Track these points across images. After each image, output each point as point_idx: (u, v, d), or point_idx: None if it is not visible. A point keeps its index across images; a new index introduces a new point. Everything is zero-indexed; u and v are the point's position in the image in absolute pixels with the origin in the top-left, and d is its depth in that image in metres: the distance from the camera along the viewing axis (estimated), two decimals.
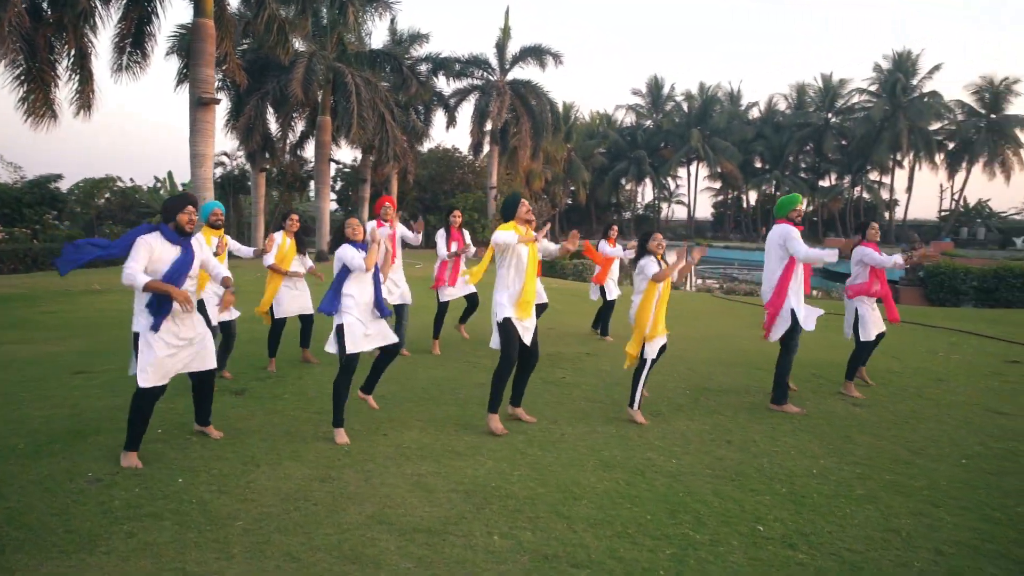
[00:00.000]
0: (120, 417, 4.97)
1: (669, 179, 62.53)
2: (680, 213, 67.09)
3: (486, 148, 37.04)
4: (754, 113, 61.66)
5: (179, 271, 3.97)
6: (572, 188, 56.40)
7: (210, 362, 4.29)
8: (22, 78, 13.68)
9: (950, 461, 4.30)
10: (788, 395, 5.47)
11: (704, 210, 68.99)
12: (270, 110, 23.82)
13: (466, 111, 35.40)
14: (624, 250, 8.54)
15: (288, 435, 4.65)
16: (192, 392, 4.51)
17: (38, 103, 13.84)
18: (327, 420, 4.99)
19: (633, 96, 64.37)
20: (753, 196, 62.70)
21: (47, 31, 12.59)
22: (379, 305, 4.69)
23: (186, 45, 17.02)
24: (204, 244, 4.30)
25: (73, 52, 13.26)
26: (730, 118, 57.84)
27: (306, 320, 6.91)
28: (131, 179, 34.21)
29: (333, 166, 30.04)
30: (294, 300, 6.74)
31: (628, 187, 63.49)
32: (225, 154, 33.81)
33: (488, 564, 2.95)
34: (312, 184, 34.42)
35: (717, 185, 62.32)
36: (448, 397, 5.73)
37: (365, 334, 4.63)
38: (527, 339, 4.82)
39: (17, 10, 11.02)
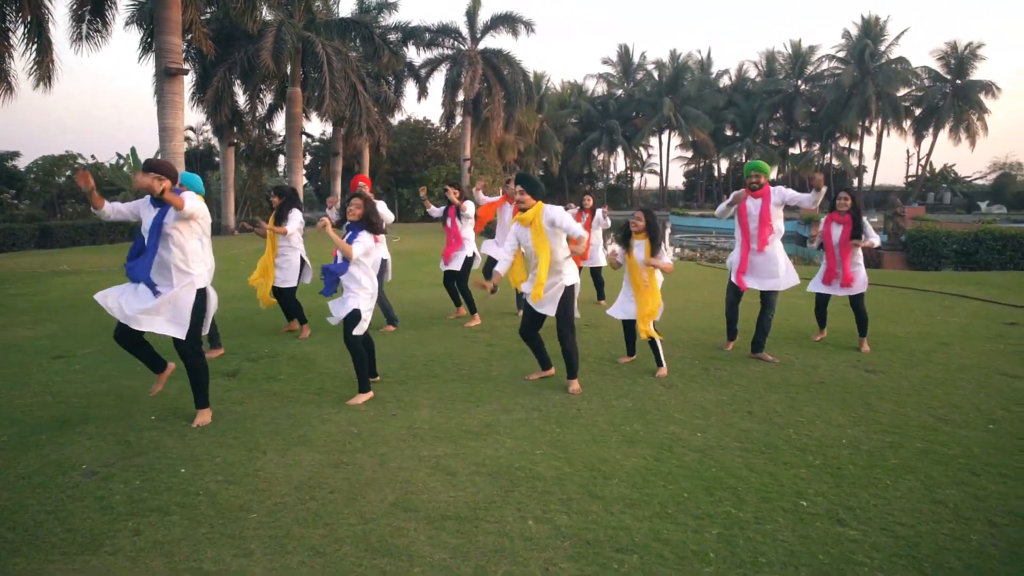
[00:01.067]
0: (107, 403, 4.69)
1: (641, 149, 62.43)
2: (653, 182, 67.29)
3: (458, 119, 36.50)
4: (725, 81, 61.65)
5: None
6: (544, 159, 55.98)
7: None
8: None
9: (977, 427, 4.21)
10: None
11: (676, 179, 69.30)
12: (238, 82, 23.03)
13: (438, 82, 34.88)
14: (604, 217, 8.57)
15: (291, 418, 4.41)
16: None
17: None
18: (329, 400, 4.77)
19: (604, 65, 64.07)
20: (724, 164, 62.98)
21: None
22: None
23: (147, 14, 16.21)
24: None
25: (29, 20, 12.50)
26: (701, 86, 57.71)
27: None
28: (92, 156, 32.93)
29: (304, 139, 29.24)
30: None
31: (600, 157, 63.27)
32: (191, 128, 32.72)
33: (529, 552, 2.77)
34: (281, 158, 33.67)
35: (689, 154, 62.48)
36: (452, 374, 5.51)
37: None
38: (548, 311, 4.92)
39: None
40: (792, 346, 6.41)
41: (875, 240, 6.23)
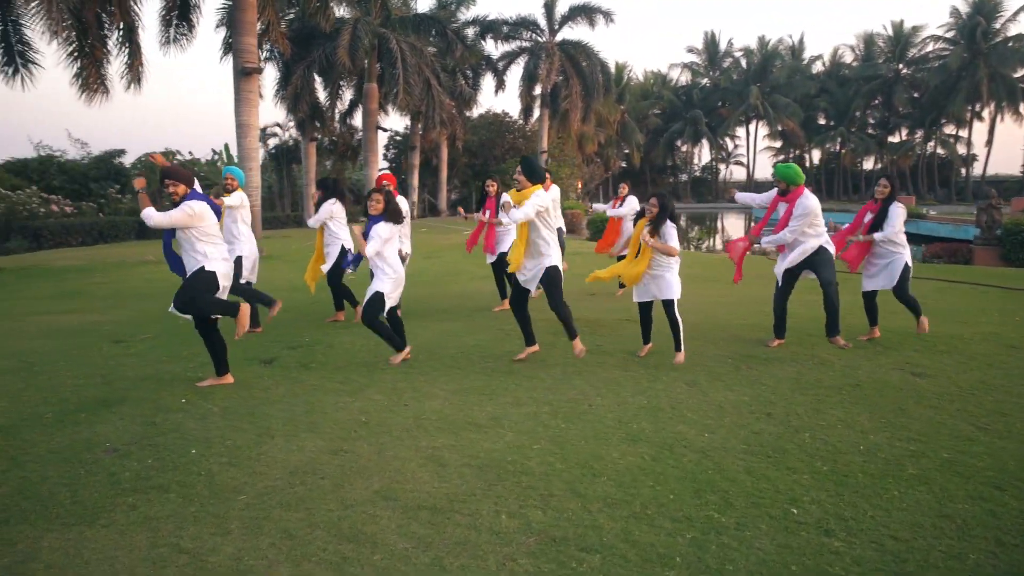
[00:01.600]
0: (146, 386, 5.01)
1: (727, 139, 60.54)
2: (739, 174, 65.04)
3: (536, 112, 36.50)
4: (817, 67, 58.79)
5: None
6: (626, 151, 55.24)
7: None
8: (75, 55, 13.97)
9: (1021, 438, 3.88)
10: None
11: (765, 170, 66.67)
12: (318, 79, 23.89)
13: (515, 75, 34.78)
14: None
15: (308, 405, 4.57)
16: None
17: (91, 79, 14.12)
18: (350, 389, 4.91)
19: (688, 54, 62.47)
20: (817, 155, 60.17)
21: (94, 6, 12.73)
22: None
23: (230, 17, 17.02)
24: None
25: (121, 26, 13.43)
26: (791, 73, 55.33)
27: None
28: (190, 152, 34.98)
29: (385, 134, 30.07)
30: None
31: (684, 148, 61.77)
32: (278, 125, 34.20)
33: (491, 546, 2.77)
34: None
35: (778, 144, 60.01)
36: (476, 367, 5.55)
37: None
38: (531, 287, 5.41)
39: None
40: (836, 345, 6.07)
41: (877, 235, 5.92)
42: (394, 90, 20.73)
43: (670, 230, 5.28)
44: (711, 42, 59.54)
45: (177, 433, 4.06)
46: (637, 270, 5.44)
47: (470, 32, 33.43)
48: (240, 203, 6.57)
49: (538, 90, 34.89)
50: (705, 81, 60.29)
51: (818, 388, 4.84)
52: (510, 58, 34.75)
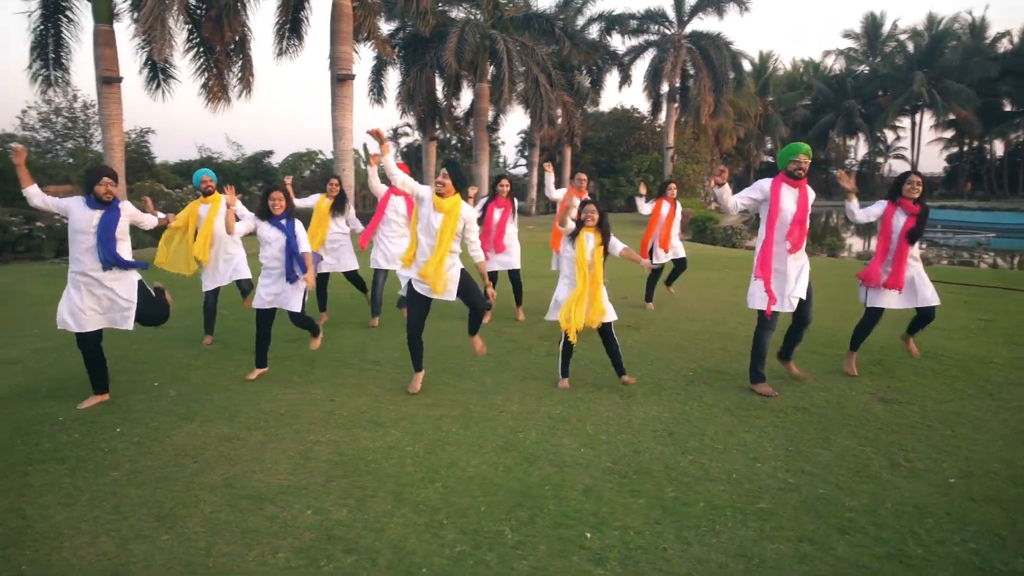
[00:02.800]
0: (137, 369, 5.62)
1: (887, 131, 55.39)
2: (901, 168, 59.21)
3: (664, 108, 35.54)
4: (1004, 45, 52.05)
5: (105, 230, 4.54)
6: (769, 146, 52.28)
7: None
8: (202, 68, 15.68)
9: (934, 482, 3.42)
10: (759, 375, 4.92)
11: (933, 164, 60.27)
12: (438, 80, 24.92)
13: (641, 69, 34.03)
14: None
15: (251, 395, 4.93)
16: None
17: (215, 88, 15.77)
18: (300, 383, 5.24)
19: (845, 39, 57.58)
20: (999, 146, 53.42)
21: (209, 27, 14.25)
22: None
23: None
24: (130, 207, 4.87)
25: (236, 40, 14.92)
26: (966, 55, 49.45)
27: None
28: (332, 152, 37.69)
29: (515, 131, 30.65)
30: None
31: (838, 141, 57.28)
32: (408, 125, 35.91)
33: (271, 537, 2.95)
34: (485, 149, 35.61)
35: (948, 135, 53.97)
36: (435, 366, 5.62)
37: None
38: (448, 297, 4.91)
39: (178, 6, 12.60)
40: (822, 363, 5.56)
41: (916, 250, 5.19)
42: (499, 89, 21.19)
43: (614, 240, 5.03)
44: (872, 25, 54.61)
45: (122, 413, 4.58)
46: (600, 304, 4.92)
47: (595, 28, 33.26)
48: None
49: (665, 86, 33.95)
50: (863, 68, 55.41)
51: (755, 411, 4.50)
52: (636, 52, 34.04)
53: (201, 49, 15.57)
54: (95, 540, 2.94)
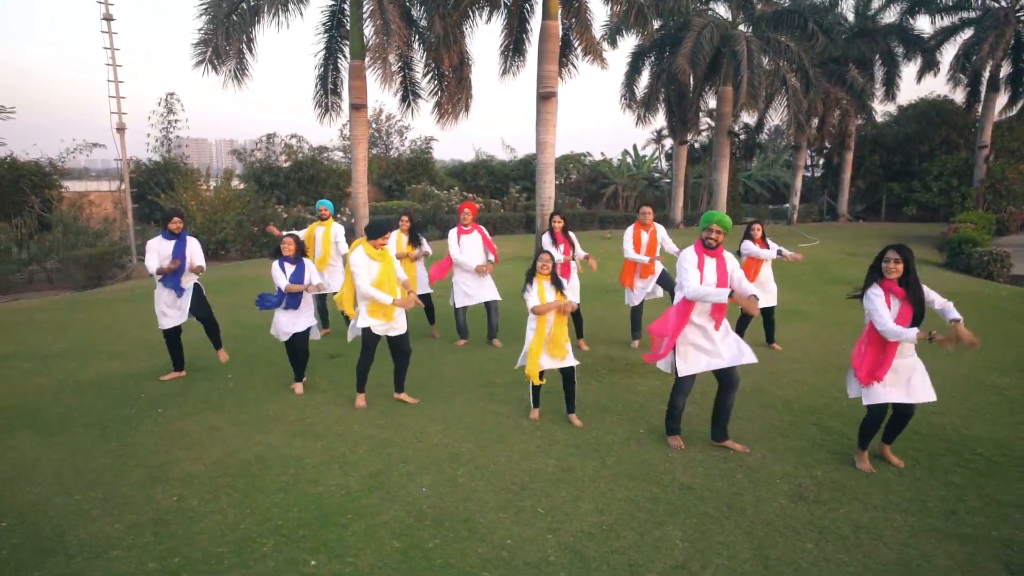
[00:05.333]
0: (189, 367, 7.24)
1: None
2: None
3: (982, 97, 29.77)
4: None
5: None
6: None
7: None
8: (435, 90, 17.92)
9: None
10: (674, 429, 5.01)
11: None
12: (691, 82, 24.43)
13: (950, 54, 28.98)
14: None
15: (256, 401, 6.15)
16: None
17: (445, 107, 17.90)
18: (307, 396, 6.31)
19: None
20: None
21: (432, 53, 16.26)
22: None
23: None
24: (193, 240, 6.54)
25: (455, 63, 16.82)
26: None
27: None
28: (602, 153, 38.93)
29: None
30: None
31: None
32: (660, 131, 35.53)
33: (133, 509, 4.00)
34: (766, 152, 33.58)
35: None
36: (414, 383, 6.26)
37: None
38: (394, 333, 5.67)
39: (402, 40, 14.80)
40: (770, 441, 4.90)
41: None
42: (738, 92, 20.09)
43: None
44: None
45: (158, 410, 6.12)
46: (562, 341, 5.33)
47: (894, 10, 29.26)
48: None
49: (987, 73, 28.46)
50: None
51: (661, 504, 4.35)
52: (947, 34, 29.11)
53: (434, 73, 17.78)
54: (45, 481, 4.30)
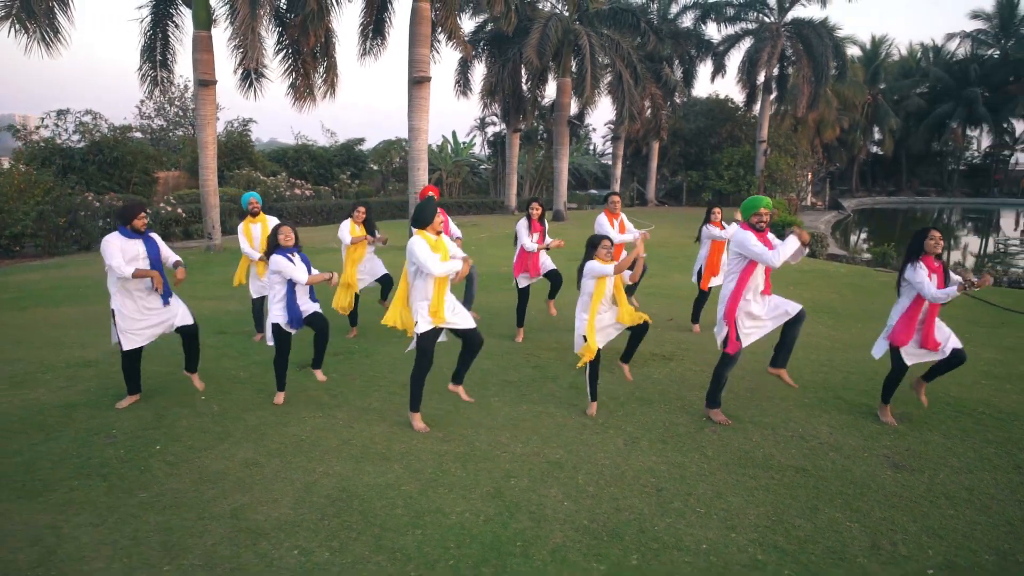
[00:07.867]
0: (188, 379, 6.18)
1: (1016, 121, 50.87)
2: None
3: (759, 98, 34.20)
4: None
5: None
6: (879, 136, 49.20)
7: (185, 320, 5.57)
8: (290, 69, 16.51)
9: (908, 567, 3.35)
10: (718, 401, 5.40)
11: None
12: (524, 73, 25.06)
13: (736, 59, 32.87)
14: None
15: (283, 414, 5.36)
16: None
17: (302, 88, 16.59)
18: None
19: (973, 21, 53.07)
20: None
21: (295, 31, 14.98)
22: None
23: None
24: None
25: (321, 43, 15.62)
26: None
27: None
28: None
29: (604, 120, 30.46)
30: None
31: (958, 131, 53.15)
32: (495, 115, 36.25)
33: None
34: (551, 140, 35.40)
35: None
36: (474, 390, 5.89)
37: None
38: (462, 325, 5.25)
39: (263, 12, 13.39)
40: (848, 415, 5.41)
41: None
42: (581, 84, 21.10)
43: None
44: (1007, 4, 50.16)
45: (167, 429, 5.09)
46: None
47: (689, 16, 32.42)
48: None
49: (762, 76, 32.66)
50: (991, 52, 51.06)
51: (752, 469, 4.49)
52: (731, 42, 32.95)
53: (290, 51, 16.37)
54: (109, 567, 3.37)
